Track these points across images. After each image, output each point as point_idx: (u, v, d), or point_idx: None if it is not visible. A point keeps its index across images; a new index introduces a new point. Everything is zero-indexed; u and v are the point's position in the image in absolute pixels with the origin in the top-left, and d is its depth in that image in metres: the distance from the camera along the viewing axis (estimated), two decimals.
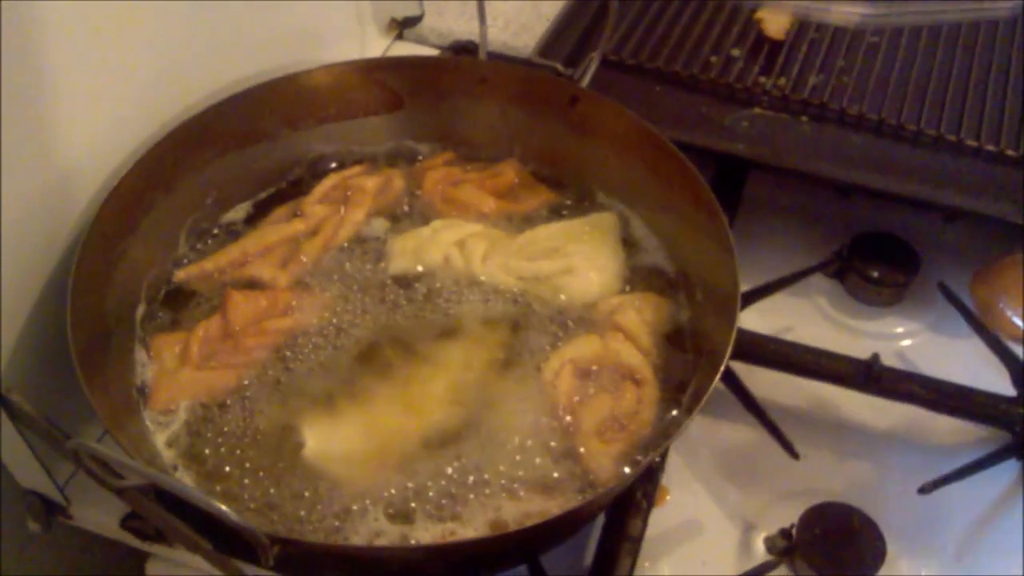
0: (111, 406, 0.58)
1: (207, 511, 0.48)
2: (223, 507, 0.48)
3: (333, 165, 0.77)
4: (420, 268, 0.71)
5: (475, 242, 0.71)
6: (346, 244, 0.72)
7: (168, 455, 0.61)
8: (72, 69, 0.62)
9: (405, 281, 0.70)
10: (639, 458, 0.61)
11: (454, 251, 0.71)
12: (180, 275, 0.69)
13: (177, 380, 0.64)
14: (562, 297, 0.69)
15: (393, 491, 0.60)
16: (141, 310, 0.67)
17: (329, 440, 0.62)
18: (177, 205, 0.70)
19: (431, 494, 0.60)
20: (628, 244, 0.73)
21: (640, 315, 0.68)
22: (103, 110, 0.66)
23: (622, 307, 0.68)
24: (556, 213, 0.75)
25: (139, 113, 0.69)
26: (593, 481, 0.60)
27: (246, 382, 0.64)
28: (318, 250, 0.71)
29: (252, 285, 0.69)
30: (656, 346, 0.67)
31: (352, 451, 0.62)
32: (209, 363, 0.65)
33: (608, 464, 0.61)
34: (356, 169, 0.75)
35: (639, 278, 0.71)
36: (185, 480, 0.60)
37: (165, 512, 0.52)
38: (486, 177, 0.76)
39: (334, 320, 0.68)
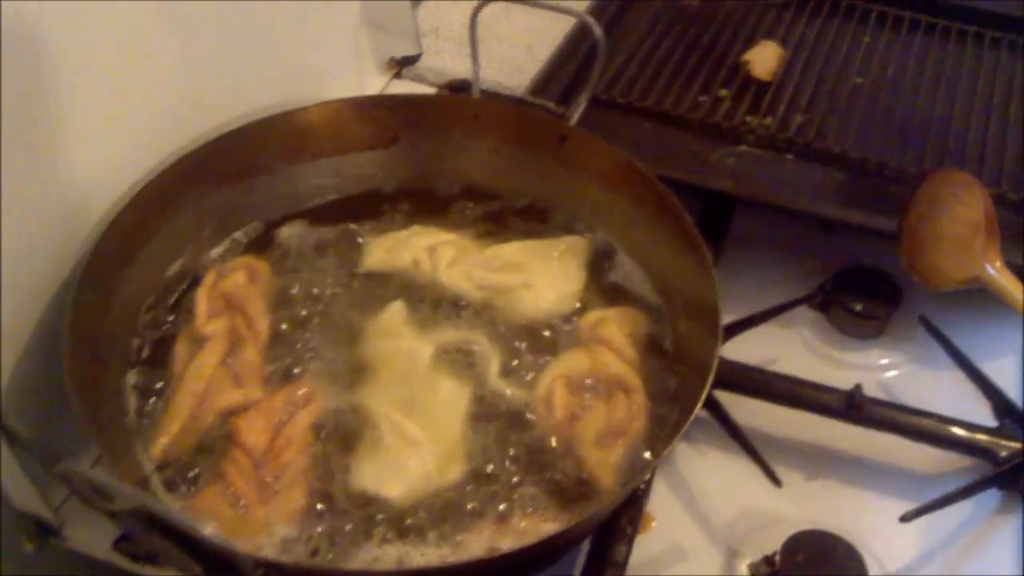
0: (103, 430, 0.60)
1: (193, 535, 0.49)
2: (208, 530, 0.49)
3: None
4: (392, 267, 0.73)
5: (444, 249, 0.75)
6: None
7: (158, 478, 0.62)
8: (83, 99, 0.64)
9: (377, 277, 0.73)
10: (647, 455, 0.64)
11: (423, 255, 0.74)
12: (157, 453, 0.63)
13: (252, 524, 0.61)
14: (515, 309, 0.72)
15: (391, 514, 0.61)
16: (136, 341, 0.68)
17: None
18: (176, 235, 0.72)
19: (428, 515, 0.61)
20: (612, 275, 0.75)
21: (621, 328, 0.70)
22: (109, 141, 0.68)
23: (604, 321, 0.71)
24: (529, 233, 0.77)
25: (144, 145, 0.71)
26: (597, 490, 0.62)
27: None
28: (256, 359, 0.68)
29: (233, 416, 0.65)
30: (640, 356, 0.69)
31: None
32: (266, 494, 0.62)
33: (611, 471, 0.63)
34: (211, 277, 0.72)
35: (624, 305, 0.73)
36: (175, 503, 0.61)
37: (155, 535, 0.53)
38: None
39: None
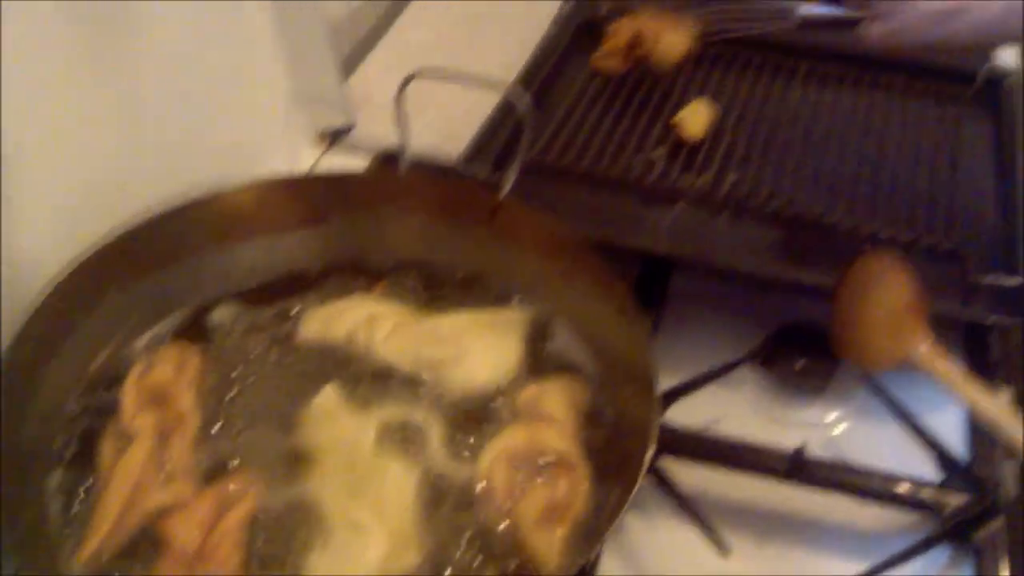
0: (23, 541, 0.58)
1: None
2: None
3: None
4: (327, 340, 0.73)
5: (382, 321, 0.74)
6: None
7: None
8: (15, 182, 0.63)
9: (313, 353, 0.72)
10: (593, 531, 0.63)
11: (360, 328, 0.73)
12: (83, 560, 0.60)
13: None
14: (450, 383, 0.71)
15: None
16: (59, 440, 0.66)
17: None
18: (101, 326, 0.70)
19: None
20: (550, 346, 0.74)
21: (561, 400, 0.70)
22: (41, 222, 0.67)
23: (543, 394, 0.70)
24: (467, 305, 0.77)
25: (71, 228, 0.70)
26: (544, 572, 0.61)
27: None
28: (186, 454, 0.66)
29: (162, 515, 0.63)
30: (581, 429, 0.69)
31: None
32: None
33: (556, 551, 0.62)
34: (137, 368, 0.71)
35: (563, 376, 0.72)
36: None
37: None
38: None
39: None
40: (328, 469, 0.66)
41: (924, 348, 0.70)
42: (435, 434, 0.68)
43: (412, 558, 0.62)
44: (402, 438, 0.68)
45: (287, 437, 0.68)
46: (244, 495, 0.65)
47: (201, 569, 0.61)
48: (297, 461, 0.66)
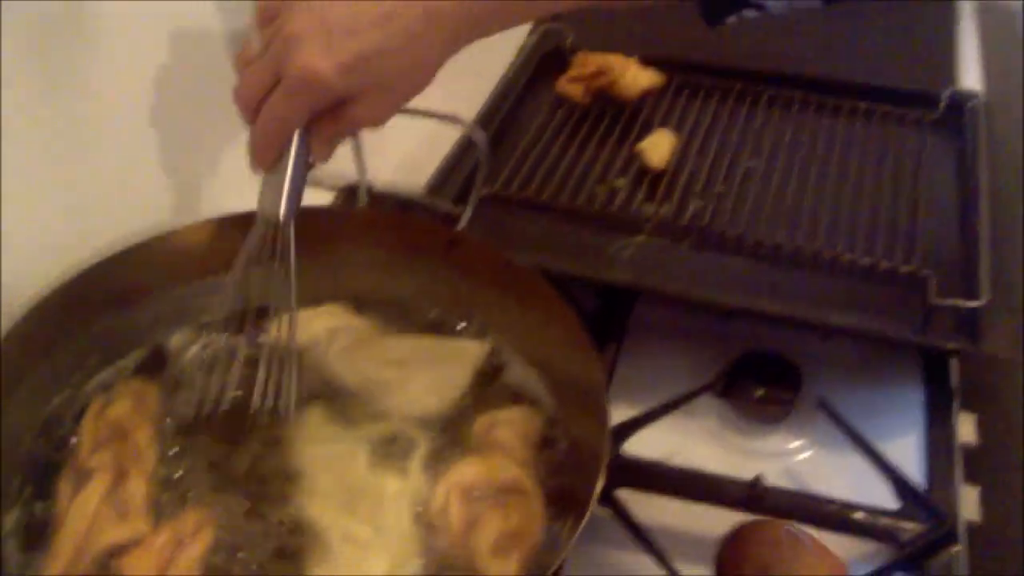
0: None
1: None
2: None
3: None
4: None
5: (343, 334, 0.75)
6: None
7: None
8: None
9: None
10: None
11: (322, 336, 0.75)
12: None
13: None
14: (385, 405, 0.71)
15: None
16: (17, 480, 0.66)
17: None
18: (59, 366, 0.70)
19: None
20: (505, 378, 0.74)
21: (514, 430, 0.70)
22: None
23: (496, 424, 0.70)
24: (435, 327, 0.77)
25: (31, 268, 0.70)
26: None
27: None
28: (143, 491, 0.66)
29: (118, 554, 0.63)
30: (535, 458, 0.69)
31: None
32: None
33: None
34: (96, 406, 0.70)
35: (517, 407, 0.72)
36: None
37: None
38: None
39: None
40: (320, 486, 0.67)
41: None
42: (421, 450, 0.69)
43: (412, 571, 0.63)
44: (387, 454, 0.69)
45: (241, 463, 0.68)
46: (201, 530, 0.65)
47: None
48: (286, 480, 0.67)
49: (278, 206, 0.66)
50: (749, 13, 0.69)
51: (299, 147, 0.65)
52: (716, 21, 0.71)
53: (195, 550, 0.64)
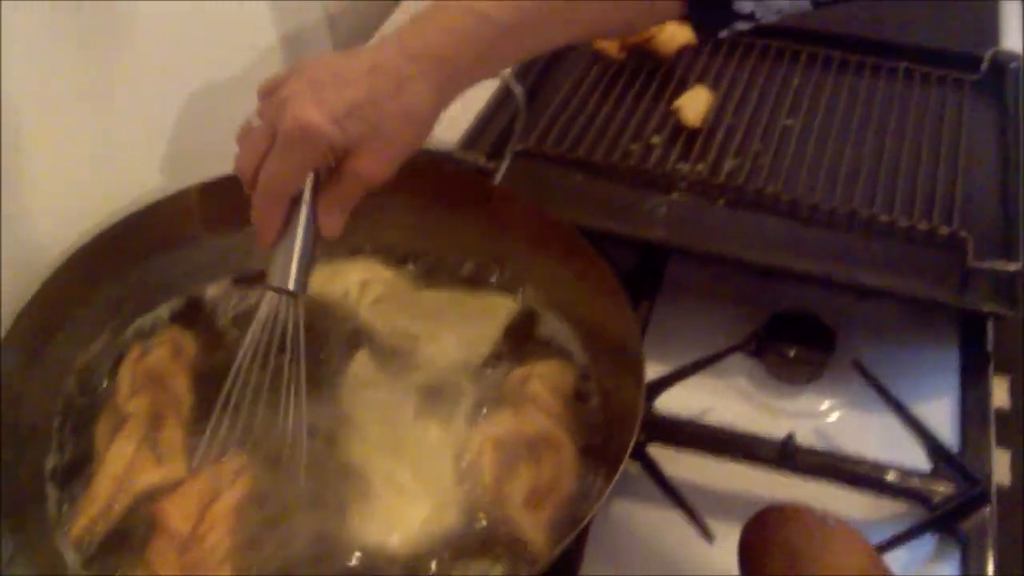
0: (18, 522, 0.59)
1: None
2: None
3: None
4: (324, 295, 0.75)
5: (375, 285, 0.77)
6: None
7: (79, 565, 0.61)
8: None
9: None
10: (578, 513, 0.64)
11: (354, 288, 0.75)
12: (75, 540, 0.62)
13: None
14: (416, 358, 0.72)
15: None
16: (56, 421, 0.68)
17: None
18: (96, 313, 0.71)
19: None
20: (539, 332, 0.75)
21: (548, 383, 0.70)
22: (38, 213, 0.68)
23: (530, 378, 0.71)
24: (467, 282, 0.78)
25: (69, 218, 0.71)
26: (530, 551, 0.62)
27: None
28: (180, 436, 0.67)
29: (155, 496, 0.64)
30: (568, 412, 0.69)
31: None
32: None
33: (542, 532, 0.63)
34: (134, 352, 0.72)
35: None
36: None
37: None
38: None
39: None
40: (367, 431, 0.68)
41: None
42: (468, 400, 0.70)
43: (451, 519, 0.64)
44: (434, 402, 0.70)
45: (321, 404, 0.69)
46: (238, 478, 0.66)
47: (191, 553, 0.62)
48: (338, 426, 0.68)
49: (287, 279, 0.62)
50: (741, 25, 0.70)
51: (307, 217, 0.62)
52: (709, 35, 0.72)
53: (230, 499, 0.65)
